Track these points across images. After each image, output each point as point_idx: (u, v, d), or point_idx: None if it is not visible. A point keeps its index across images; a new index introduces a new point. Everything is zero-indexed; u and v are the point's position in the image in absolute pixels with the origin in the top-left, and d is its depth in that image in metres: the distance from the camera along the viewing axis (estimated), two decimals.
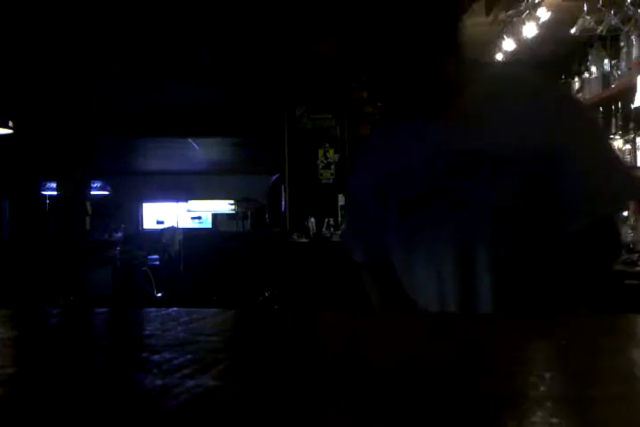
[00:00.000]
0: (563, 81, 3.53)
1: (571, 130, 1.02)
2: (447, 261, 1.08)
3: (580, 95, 3.31)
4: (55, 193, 5.95)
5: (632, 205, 2.61)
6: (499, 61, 3.23)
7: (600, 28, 2.61)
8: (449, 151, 1.05)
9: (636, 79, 2.63)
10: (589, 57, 3.14)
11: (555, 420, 0.35)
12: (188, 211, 12.60)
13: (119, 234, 8.64)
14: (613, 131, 2.93)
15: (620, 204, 1.26)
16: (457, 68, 1.05)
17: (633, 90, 2.65)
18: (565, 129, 1.01)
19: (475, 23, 3.20)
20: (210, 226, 12.16)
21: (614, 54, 2.95)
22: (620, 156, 1.14)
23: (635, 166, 2.71)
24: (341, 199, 5.41)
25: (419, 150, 1.11)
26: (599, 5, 2.59)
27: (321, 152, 6.04)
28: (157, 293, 6.84)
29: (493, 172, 1.01)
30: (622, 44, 2.83)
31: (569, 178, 1.00)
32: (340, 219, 5.42)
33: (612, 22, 2.58)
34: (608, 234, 1.10)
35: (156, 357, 0.51)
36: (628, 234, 2.56)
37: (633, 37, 2.71)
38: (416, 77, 1.03)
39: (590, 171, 1.02)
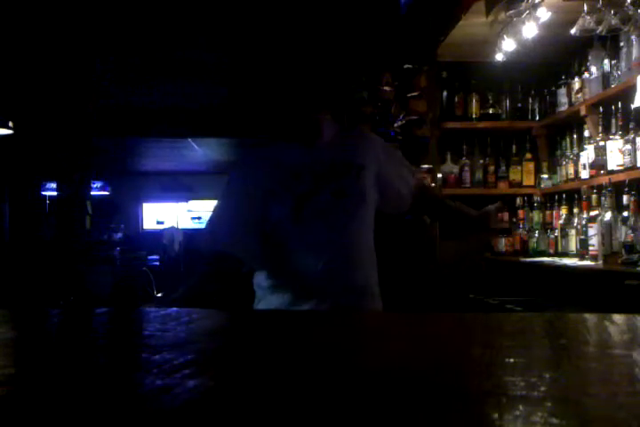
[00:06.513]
0: (563, 81, 3.52)
1: (388, 160, 1.76)
2: (333, 242, 1.56)
3: (579, 95, 3.31)
4: (55, 193, 5.94)
5: (632, 205, 2.61)
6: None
7: (600, 28, 2.60)
8: (328, 161, 1.63)
9: (636, 79, 2.63)
10: (589, 57, 3.14)
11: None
12: (188, 211, 12.60)
13: (119, 234, 8.63)
14: (613, 131, 2.93)
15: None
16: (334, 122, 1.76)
17: (633, 90, 2.65)
18: (387, 159, 1.75)
19: (475, 23, 3.20)
20: None
21: (614, 54, 2.95)
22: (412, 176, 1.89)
23: (634, 167, 2.71)
24: None
25: (302, 162, 1.63)
26: (599, 5, 2.58)
27: None
28: (157, 293, 6.83)
29: (357, 173, 1.64)
30: (622, 44, 2.82)
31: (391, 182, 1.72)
32: None
33: (612, 22, 2.58)
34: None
35: (157, 357, 0.51)
36: (627, 234, 2.56)
37: (633, 37, 2.70)
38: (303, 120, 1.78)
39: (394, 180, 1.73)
